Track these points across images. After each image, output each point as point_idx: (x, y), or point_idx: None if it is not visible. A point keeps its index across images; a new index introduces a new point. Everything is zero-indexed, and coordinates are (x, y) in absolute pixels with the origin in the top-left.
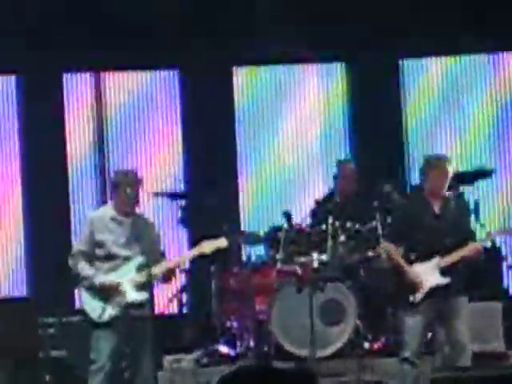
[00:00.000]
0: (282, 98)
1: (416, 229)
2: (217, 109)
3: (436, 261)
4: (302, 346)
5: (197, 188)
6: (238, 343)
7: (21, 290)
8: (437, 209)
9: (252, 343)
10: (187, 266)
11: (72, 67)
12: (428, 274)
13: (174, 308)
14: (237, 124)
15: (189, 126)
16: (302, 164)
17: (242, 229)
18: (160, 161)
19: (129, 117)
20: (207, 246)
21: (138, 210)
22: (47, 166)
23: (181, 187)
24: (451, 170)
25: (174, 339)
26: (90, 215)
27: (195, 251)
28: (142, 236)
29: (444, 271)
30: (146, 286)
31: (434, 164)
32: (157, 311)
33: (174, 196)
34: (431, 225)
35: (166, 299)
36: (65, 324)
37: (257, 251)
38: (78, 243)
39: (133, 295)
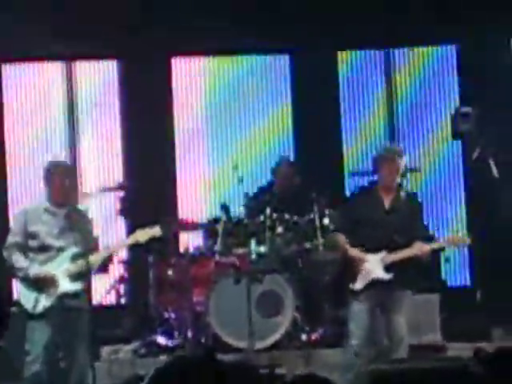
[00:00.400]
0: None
1: (363, 222)
2: (154, 97)
3: (382, 255)
4: (239, 338)
5: (135, 177)
6: (176, 334)
7: None
8: (387, 204)
9: (190, 334)
10: (125, 256)
11: None
12: (372, 266)
13: (111, 298)
14: (175, 110)
15: (126, 117)
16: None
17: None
18: (100, 153)
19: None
20: (141, 235)
21: (72, 201)
22: None
23: (119, 179)
24: (402, 162)
25: (111, 330)
26: (23, 207)
27: (129, 240)
28: (77, 226)
29: (388, 267)
30: (81, 276)
31: (383, 157)
32: (94, 302)
33: (113, 188)
34: (380, 219)
35: (104, 289)
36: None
37: (195, 242)
38: (11, 235)
39: (67, 285)
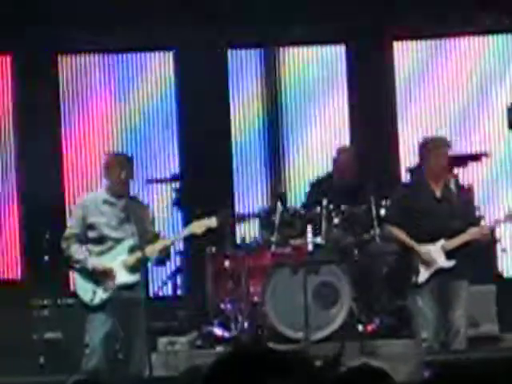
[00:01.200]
0: None
1: (417, 213)
2: (210, 89)
3: (441, 243)
4: (296, 329)
5: (191, 170)
6: (232, 325)
7: (15, 273)
8: (438, 192)
9: (246, 325)
10: (182, 247)
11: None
12: (434, 255)
13: (168, 290)
14: (231, 105)
15: (182, 109)
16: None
17: (236, 210)
18: (155, 144)
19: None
20: (197, 226)
21: (131, 192)
22: None
23: (175, 170)
24: (449, 150)
25: (168, 321)
26: (82, 198)
27: (185, 231)
28: (135, 218)
29: (449, 254)
30: (138, 267)
31: (432, 146)
32: (151, 293)
33: (168, 179)
34: (433, 208)
35: (161, 281)
36: (60, 306)
37: (251, 234)
38: (70, 226)
39: (125, 277)
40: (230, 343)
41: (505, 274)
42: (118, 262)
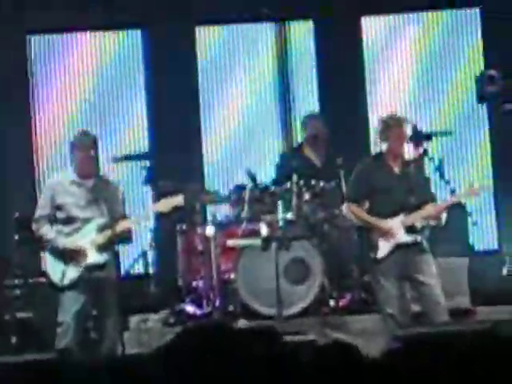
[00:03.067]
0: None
1: (376, 190)
2: (180, 66)
3: (400, 219)
4: (268, 305)
5: (161, 147)
6: (205, 303)
7: None
8: (397, 169)
9: (218, 302)
10: (153, 225)
11: None
12: (393, 230)
13: (140, 268)
14: (200, 81)
15: (151, 86)
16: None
17: (206, 187)
18: (124, 123)
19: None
20: (164, 205)
21: (99, 171)
22: None
23: (145, 147)
24: (406, 128)
25: (140, 299)
26: (50, 180)
27: (152, 210)
28: (104, 197)
29: (408, 229)
30: (108, 247)
31: (390, 125)
32: (122, 271)
33: (138, 157)
34: (392, 185)
35: (132, 259)
36: (31, 285)
37: (222, 210)
38: (40, 208)
39: (95, 257)
40: (203, 320)
41: (476, 247)
42: (87, 242)
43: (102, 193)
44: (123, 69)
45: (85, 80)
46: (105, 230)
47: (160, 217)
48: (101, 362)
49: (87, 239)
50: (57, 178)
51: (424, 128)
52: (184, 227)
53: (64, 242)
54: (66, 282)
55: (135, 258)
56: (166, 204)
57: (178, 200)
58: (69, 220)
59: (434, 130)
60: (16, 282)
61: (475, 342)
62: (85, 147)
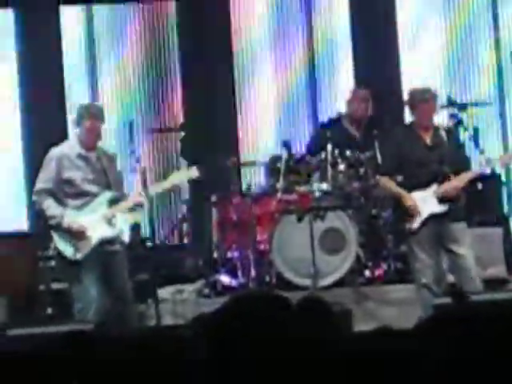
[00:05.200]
0: None
1: (408, 161)
2: (215, 36)
3: (433, 189)
4: (303, 276)
5: (195, 117)
6: (240, 273)
7: (21, 225)
8: (428, 140)
9: (253, 273)
10: (187, 195)
11: None
12: (426, 202)
13: (175, 238)
14: (235, 52)
15: (185, 55)
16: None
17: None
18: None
19: None
20: (177, 177)
21: (99, 143)
22: None
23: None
24: (436, 101)
25: (175, 270)
26: (54, 152)
27: (166, 183)
28: (108, 170)
29: (442, 199)
30: (118, 220)
31: (418, 99)
32: (158, 242)
33: (171, 129)
34: (424, 156)
35: (167, 229)
36: (66, 256)
37: (257, 181)
38: (42, 181)
39: (106, 231)
40: (238, 291)
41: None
42: (97, 216)
43: (105, 164)
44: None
45: None
46: (115, 204)
47: (194, 187)
48: (135, 332)
49: (98, 213)
50: (60, 150)
51: (460, 98)
52: (219, 198)
53: (73, 218)
54: (79, 256)
55: (170, 228)
56: (180, 176)
57: (193, 172)
58: (78, 194)
59: (470, 100)
60: (51, 253)
61: (508, 311)
62: (97, 117)
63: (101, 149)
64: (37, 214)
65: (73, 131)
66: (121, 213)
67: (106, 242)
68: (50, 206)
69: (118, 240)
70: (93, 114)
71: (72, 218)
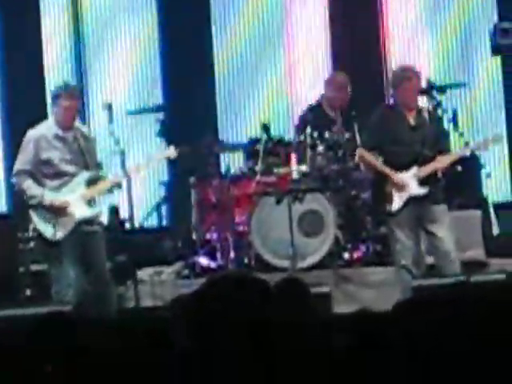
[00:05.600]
0: None
1: (391, 140)
2: (192, 15)
3: (414, 170)
4: (282, 257)
5: (174, 99)
6: (218, 255)
7: (0, 206)
8: (412, 120)
9: (232, 255)
10: (166, 177)
11: None
12: (407, 182)
13: (153, 220)
14: (213, 32)
15: (165, 33)
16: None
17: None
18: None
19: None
20: (155, 157)
21: (76, 122)
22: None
23: (158, 100)
24: (419, 81)
25: (153, 252)
26: (31, 133)
27: (144, 162)
28: (85, 149)
29: (422, 181)
30: (96, 200)
31: (402, 76)
32: (136, 224)
33: (151, 110)
34: (407, 136)
35: (145, 212)
36: (45, 237)
37: (235, 163)
38: (21, 162)
39: (85, 211)
40: (217, 273)
41: (489, 199)
42: (76, 196)
43: (83, 144)
44: None
45: None
46: (93, 184)
47: (173, 169)
48: (113, 314)
49: (76, 193)
50: (38, 131)
51: (438, 80)
52: (198, 179)
53: (53, 197)
54: (59, 236)
55: (149, 210)
56: (157, 156)
57: (171, 152)
58: (56, 174)
59: (448, 82)
60: (30, 234)
61: (485, 293)
62: (74, 97)
63: (78, 129)
64: (15, 196)
65: (50, 111)
66: (99, 193)
67: (84, 223)
68: (31, 187)
69: (97, 221)
70: (69, 93)
71: (51, 197)
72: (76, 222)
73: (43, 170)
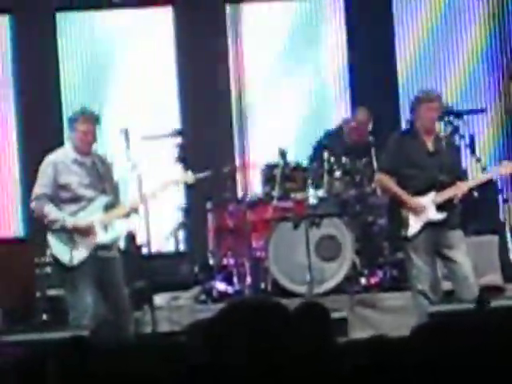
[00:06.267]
0: None
1: (408, 164)
2: (210, 44)
3: (432, 196)
4: (299, 283)
5: (193, 125)
6: (235, 280)
7: (18, 231)
8: (430, 146)
9: (249, 280)
10: (183, 202)
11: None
12: (424, 207)
13: (171, 245)
14: (231, 59)
15: (183, 61)
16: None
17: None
18: (154, 99)
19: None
20: (172, 180)
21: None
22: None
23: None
24: (440, 104)
25: (171, 276)
26: (50, 158)
27: (160, 187)
28: (103, 174)
29: (440, 207)
30: (114, 226)
31: (422, 99)
32: (153, 249)
33: (169, 135)
34: (424, 161)
35: (163, 236)
36: (62, 263)
37: (253, 188)
38: (40, 186)
39: (102, 237)
40: (234, 298)
41: (507, 225)
42: (94, 221)
43: (101, 170)
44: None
45: None
46: (111, 209)
47: (190, 194)
48: (130, 339)
49: (94, 218)
50: (56, 156)
51: (456, 105)
52: (215, 204)
53: (71, 222)
54: (76, 262)
55: (166, 235)
56: (174, 179)
57: (188, 177)
58: (74, 199)
59: (465, 108)
60: (47, 259)
61: (502, 319)
62: (91, 121)
63: (96, 154)
64: (33, 220)
65: (67, 137)
66: (117, 218)
67: (101, 248)
68: (52, 211)
69: (115, 246)
70: (86, 117)
71: (74, 221)
72: (93, 248)
73: (61, 195)
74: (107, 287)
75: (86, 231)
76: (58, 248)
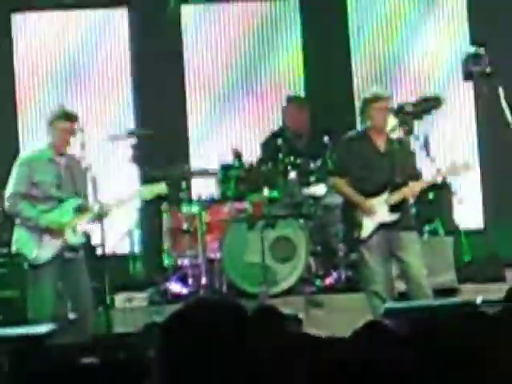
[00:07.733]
0: None
1: (359, 166)
2: (165, 45)
3: (384, 197)
4: (254, 284)
5: (147, 125)
6: (190, 281)
7: None
8: (381, 146)
9: (204, 281)
10: (138, 203)
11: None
12: (377, 209)
13: (125, 246)
14: (185, 61)
15: (137, 63)
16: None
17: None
18: (109, 99)
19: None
20: (147, 193)
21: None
22: None
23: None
24: (389, 102)
25: (125, 278)
26: (26, 156)
27: (135, 196)
28: (76, 176)
29: (393, 208)
30: (80, 228)
31: (370, 100)
32: (108, 250)
33: (124, 136)
34: (376, 162)
35: (118, 237)
36: (16, 263)
37: (208, 189)
38: (14, 184)
39: (70, 237)
40: (188, 299)
41: (461, 225)
42: (63, 222)
43: (74, 171)
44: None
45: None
46: (80, 211)
47: None
48: (88, 339)
49: (64, 219)
50: (32, 154)
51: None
52: (169, 205)
53: (44, 222)
54: (41, 260)
55: (121, 236)
56: (149, 192)
57: (161, 188)
58: (45, 199)
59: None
60: (1, 260)
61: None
62: (72, 121)
63: (72, 156)
64: None
65: (45, 136)
66: (84, 222)
67: (68, 249)
68: (25, 208)
69: (80, 247)
70: (66, 117)
71: (47, 220)
72: (60, 248)
73: (34, 193)
74: (71, 288)
75: (57, 232)
76: (24, 244)
